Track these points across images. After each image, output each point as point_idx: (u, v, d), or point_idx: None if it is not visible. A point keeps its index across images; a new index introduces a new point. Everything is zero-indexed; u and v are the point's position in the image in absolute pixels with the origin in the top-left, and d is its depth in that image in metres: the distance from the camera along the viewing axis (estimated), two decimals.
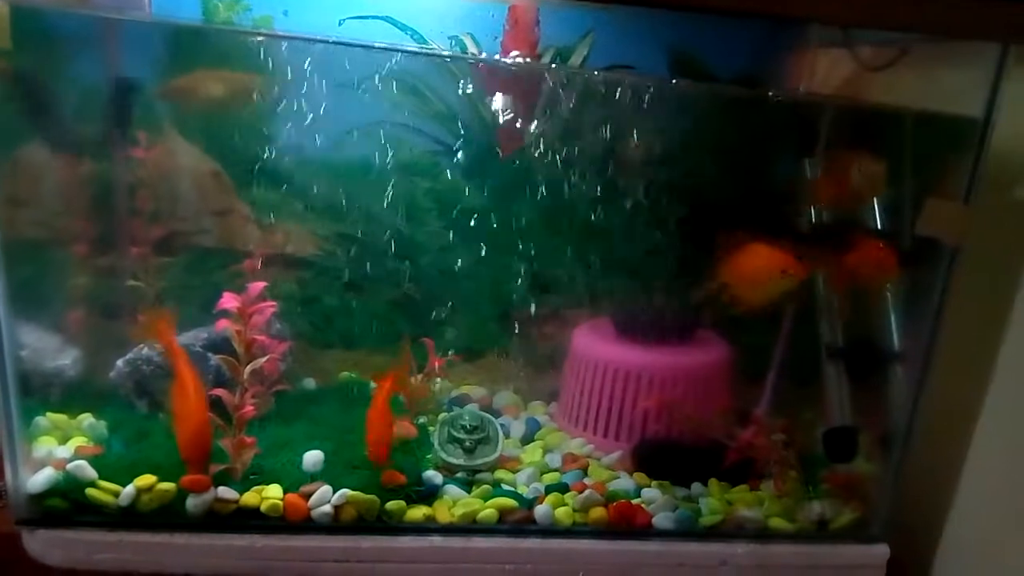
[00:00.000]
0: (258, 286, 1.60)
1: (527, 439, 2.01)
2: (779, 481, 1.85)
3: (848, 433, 1.88)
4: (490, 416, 1.93)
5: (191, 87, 1.94)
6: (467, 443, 1.82)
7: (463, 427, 1.83)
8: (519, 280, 2.19)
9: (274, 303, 1.63)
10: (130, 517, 1.60)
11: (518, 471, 1.85)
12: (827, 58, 2.38)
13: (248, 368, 1.61)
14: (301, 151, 2.07)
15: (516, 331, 2.23)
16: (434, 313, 2.23)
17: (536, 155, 2.05)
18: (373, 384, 1.97)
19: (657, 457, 1.90)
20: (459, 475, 1.80)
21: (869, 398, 1.92)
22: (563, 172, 2.05)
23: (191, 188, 2.04)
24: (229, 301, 1.57)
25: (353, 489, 1.66)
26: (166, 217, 2.02)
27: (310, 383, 2.15)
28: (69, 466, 1.56)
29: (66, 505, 1.59)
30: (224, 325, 1.58)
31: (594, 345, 2.04)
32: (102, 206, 2.00)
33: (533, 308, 2.20)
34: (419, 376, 1.94)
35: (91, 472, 1.59)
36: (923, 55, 1.94)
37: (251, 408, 1.63)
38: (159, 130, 2.00)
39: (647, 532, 1.75)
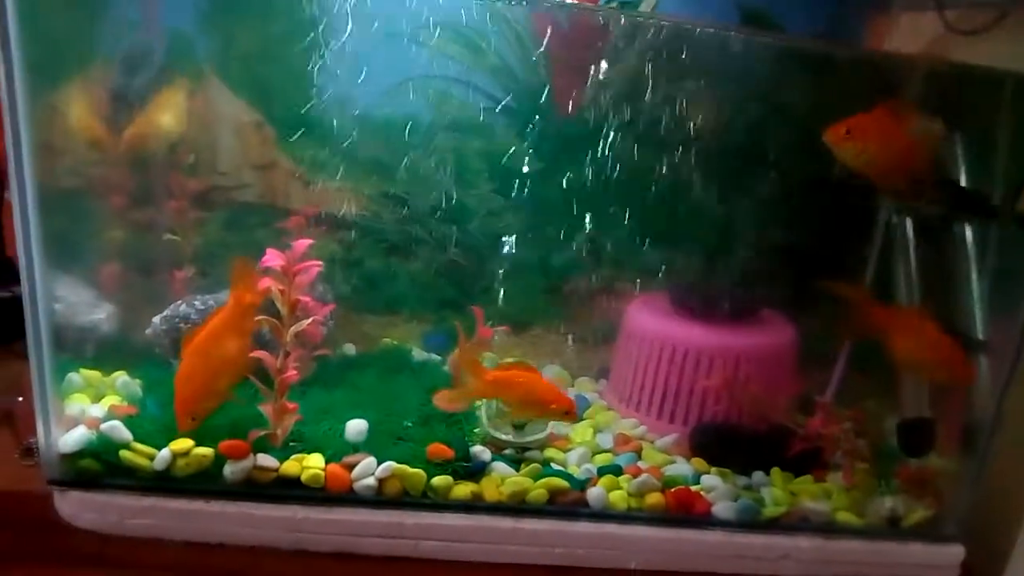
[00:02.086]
0: (303, 243, 1.50)
1: (577, 416, 1.90)
2: (848, 473, 1.73)
3: (924, 425, 1.76)
4: None
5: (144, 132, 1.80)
6: (517, 419, 1.71)
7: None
8: (571, 249, 2.07)
9: (320, 262, 1.52)
10: (165, 482, 1.52)
11: (569, 451, 1.75)
12: (907, 22, 2.20)
13: (292, 330, 1.52)
14: (347, 104, 1.94)
15: (565, 303, 2.12)
16: (480, 281, 2.14)
17: (597, 114, 1.91)
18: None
19: (717, 442, 1.79)
20: (507, 452, 1.71)
21: (948, 388, 1.79)
22: (625, 133, 1.90)
23: (232, 139, 1.94)
24: (273, 259, 1.47)
25: (399, 462, 1.57)
26: (205, 170, 1.93)
27: (350, 348, 2.07)
28: (103, 427, 1.50)
29: (99, 467, 1.52)
30: (267, 284, 1.48)
31: (651, 321, 1.92)
32: (139, 157, 1.89)
33: (585, 279, 2.08)
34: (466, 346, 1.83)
35: (126, 433, 1.51)
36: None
37: (294, 372, 1.54)
38: (199, 76, 1.90)
39: (706, 521, 1.65)
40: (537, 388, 1.57)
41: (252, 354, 1.51)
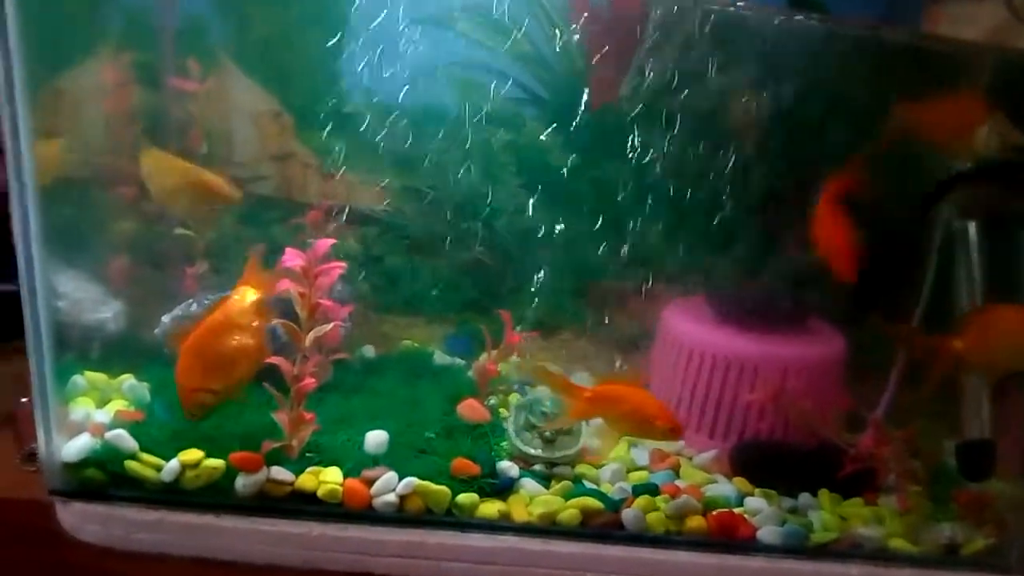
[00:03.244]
0: (326, 243, 1.39)
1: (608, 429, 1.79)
2: (903, 497, 1.61)
3: (986, 447, 1.63)
4: None
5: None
6: (547, 432, 1.60)
7: (543, 415, 1.62)
8: (603, 248, 1.95)
9: (343, 264, 1.42)
10: (173, 494, 1.44)
11: (601, 467, 1.64)
12: (961, 8, 2.06)
13: (311, 335, 1.41)
14: (369, 92, 1.84)
15: (596, 306, 2.00)
16: (506, 281, 2.03)
17: (635, 105, 1.79)
18: None
19: (761, 461, 1.67)
20: (536, 467, 1.60)
21: (1012, 408, 1.66)
22: (665, 125, 1.77)
23: (248, 128, 1.84)
24: (292, 259, 1.36)
25: (421, 478, 1.47)
26: (220, 160, 1.83)
27: (369, 351, 1.96)
28: (108, 435, 1.42)
29: (104, 477, 1.43)
30: (286, 286, 1.37)
31: (689, 328, 1.80)
32: (150, 145, 1.80)
33: (617, 281, 1.96)
34: (494, 352, 1.72)
35: (131, 443, 1.43)
36: None
37: (312, 380, 1.43)
38: (214, 60, 1.79)
39: (751, 546, 1.53)
40: (645, 404, 1.46)
41: (268, 359, 1.41)
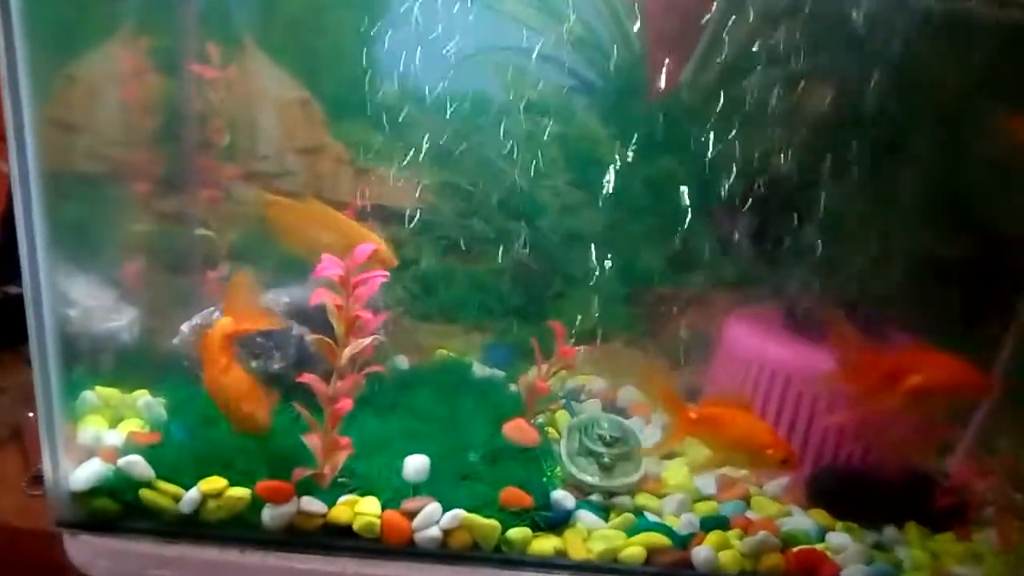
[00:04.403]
0: (367, 249, 1.23)
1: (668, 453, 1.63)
2: (1004, 533, 1.44)
3: None
4: (631, 425, 1.55)
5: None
6: (605, 458, 1.45)
7: (601, 438, 1.46)
8: (659, 251, 1.79)
9: (386, 272, 1.26)
10: (193, 527, 1.31)
11: (664, 496, 1.48)
12: None
13: (347, 352, 1.26)
14: (407, 80, 1.68)
15: (649, 314, 1.84)
16: (551, 286, 1.87)
17: (699, 95, 1.62)
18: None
19: (842, 491, 1.50)
20: (592, 496, 1.44)
21: None
22: (734, 116, 1.60)
23: (274, 118, 1.69)
24: (330, 266, 1.20)
25: (468, 509, 1.31)
26: (243, 154, 1.70)
27: (402, 361, 1.81)
28: (120, 462, 1.29)
29: (116, 507, 1.30)
30: (322, 297, 1.21)
31: (758, 341, 1.65)
32: (168, 137, 1.68)
33: (672, 287, 1.82)
34: (544, 367, 1.56)
35: (146, 470, 1.29)
36: None
37: (348, 401, 1.28)
38: (236, 44, 1.64)
39: None
40: (755, 429, 1.33)
41: (299, 378, 1.26)
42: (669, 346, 1.81)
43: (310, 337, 1.23)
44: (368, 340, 1.26)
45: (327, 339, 1.25)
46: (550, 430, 1.62)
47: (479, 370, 1.84)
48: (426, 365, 1.83)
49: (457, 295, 1.90)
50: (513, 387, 1.74)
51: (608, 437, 1.46)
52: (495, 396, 1.71)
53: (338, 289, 1.22)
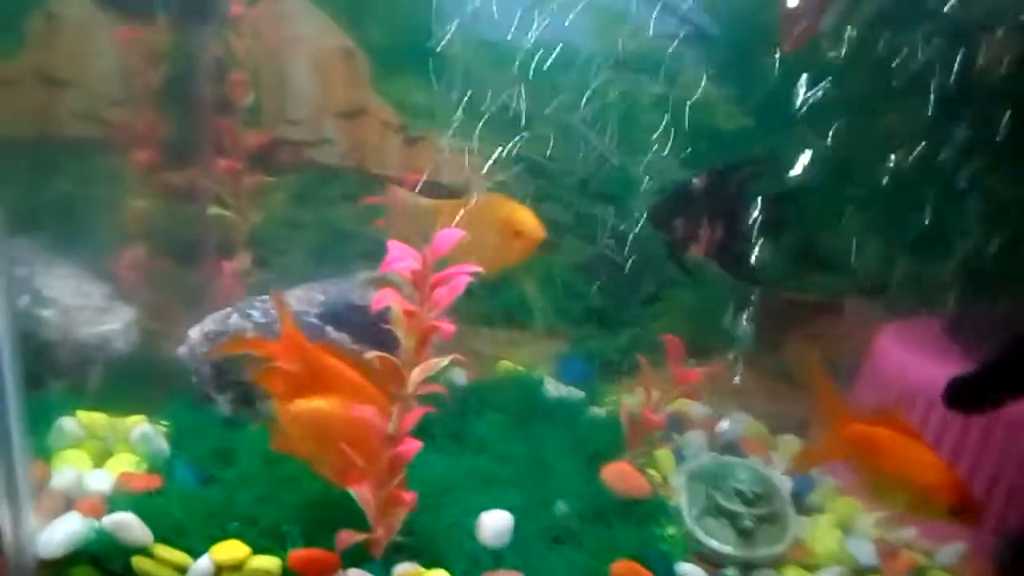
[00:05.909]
0: (452, 236, 0.89)
1: (801, 506, 1.29)
2: None
3: None
4: (775, 478, 1.21)
5: None
6: (745, 520, 1.12)
7: (739, 494, 1.13)
8: (775, 246, 1.47)
9: (471, 272, 0.92)
10: None
11: (815, 570, 1.14)
12: None
13: (416, 374, 0.92)
14: (476, 30, 1.45)
15: (761, 325, 1.52)
16: (641, 287, 1.57)
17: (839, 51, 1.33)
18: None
19: None
20: (727, 571, 1.11)
21: None
22: (880, 78, 1.33)
23: (310, 73, 1.40)
24: (401, 258, 0.86)
25: None
26: (270, 116, 1.44)
27: (459, 376, 1.49)
28: (107, 521, 1.04)
29: None
30: (387, 300, 0.88)
31: (921, 363, 1.32)
32: (177, 94, 1.40)
33: (792, 291, 1.54)
34: (652, 394, 1.22)
35: (141, 533, 1.00)
36: None
37: (417, 443, 0.95)
38: None
39: None
40: (923, 464, 1.02)
41: (353, 412, 0.93)
42: (784, 363, 1.51)
43: (374, 355, 0.88)
44: (447, 360, 0.93)
45: (390, 357, 0.91)
46: (651, 473, 1.29)
47: (552, 387, 1.53)
48: (488, 381, 1.52)
49: (522, 295, 1.61)
50: (597, 410, 1.42)
51: (749, 493, 1.14)
52: (578, 424, 1.40)
53: (408, 289, 0.88)
